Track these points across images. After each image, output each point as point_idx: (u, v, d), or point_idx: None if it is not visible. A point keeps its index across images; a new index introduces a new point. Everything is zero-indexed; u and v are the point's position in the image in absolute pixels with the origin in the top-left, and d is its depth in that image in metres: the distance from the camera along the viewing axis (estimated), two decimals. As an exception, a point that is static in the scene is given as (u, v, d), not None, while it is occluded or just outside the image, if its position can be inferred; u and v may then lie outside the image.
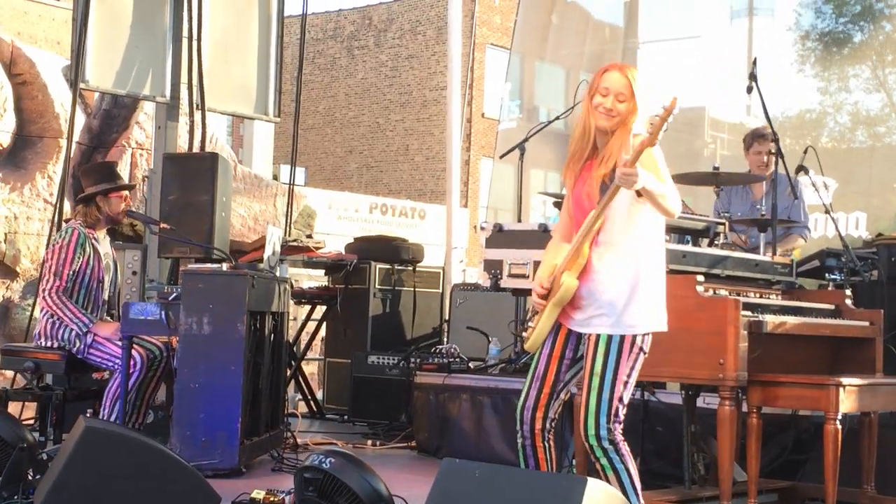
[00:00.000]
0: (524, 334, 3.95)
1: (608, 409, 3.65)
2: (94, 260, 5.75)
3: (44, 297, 5.66)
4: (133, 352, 5.49)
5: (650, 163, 3.63)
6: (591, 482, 3.18)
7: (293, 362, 7.74)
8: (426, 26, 28.34)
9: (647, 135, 3.53)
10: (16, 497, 4.37)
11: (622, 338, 3.70)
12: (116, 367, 5.52)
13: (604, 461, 3.64)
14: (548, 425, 3.82)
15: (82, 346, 5.61)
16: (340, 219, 20.43)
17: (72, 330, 5.60)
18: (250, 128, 20.82)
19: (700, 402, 5.01)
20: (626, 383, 3.70)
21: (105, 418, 5.47)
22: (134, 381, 5.49)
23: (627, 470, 3.64)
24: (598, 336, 3.71)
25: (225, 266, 5.59)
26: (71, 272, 5.65)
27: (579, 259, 3.70)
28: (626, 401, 3.71)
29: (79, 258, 5.68)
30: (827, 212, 6.17)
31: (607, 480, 3.62)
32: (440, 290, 8.21)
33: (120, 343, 5.49)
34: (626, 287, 3.70)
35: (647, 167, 3.59)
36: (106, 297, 5.87)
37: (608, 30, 12.23)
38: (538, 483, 3.28)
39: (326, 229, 17.45)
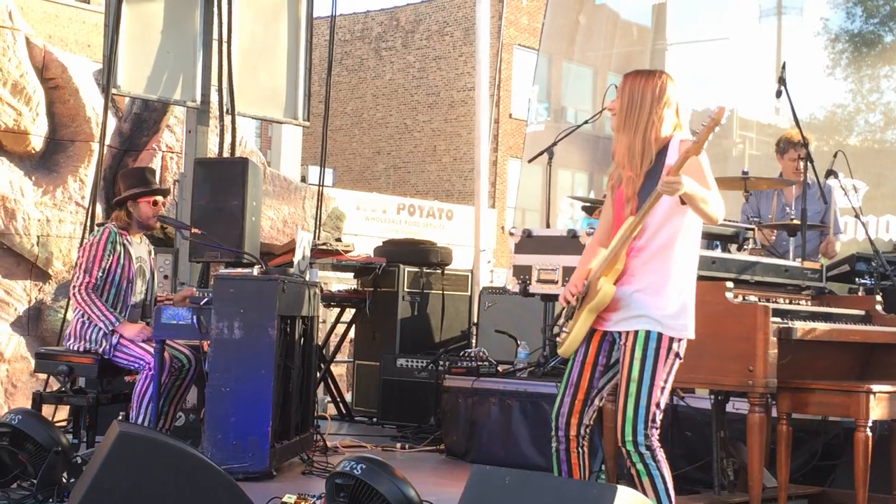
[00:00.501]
0: (557, 339, 3.96)
1: (646, 414, 3.66)
2: (125, 259, 5.80)
3: (74, 294, 5.73)
4: (156, 353, 5.55)
5: (695, 170, 3.66)
6: (621, 490, 3.19)
7: (322, 365, 7.78)
8: (453, 27, 28.36)
9: (694, 141, 3.56)
10: (50, 500, 4.44)
11: (660, 336, 3.70)
12: (141, 368, 5.58)
13: (640, 466, 3.65)
14: (582, 431, 3.84)
15: (108, 347, 5.67)
16: (368, 219, 20.49)
17: (99, 330, 5.67)
18: (279, 129, 20.90)
19: (729, 408, 5.01)
20: (662, 388, 3.70)
21: (135, 421, 5.53)
22: (146, 387, 5.55)
23: (663, 476, 3.65)
24: (636, 333, 3.71)
25: (255, 270, 5.64)
26: (101, 270, 5.71)
27: (616, 265, 3.71)
28: (662, 406, 3.73)
29: (109, 256, 5.74)
30: (857, 216, 6.16)
31: (641, 486, 3.63)
32: (468, 293, 8.23)
33: (144, 345, 5.56)
34: (663, 292, 3.71)
35: (692, 174, 3.62)
36: (137, 299, 5.92)
37: (636, 30, 12.21)
38: (568, 490, 3.29)
39: (354, 230, 17.51)
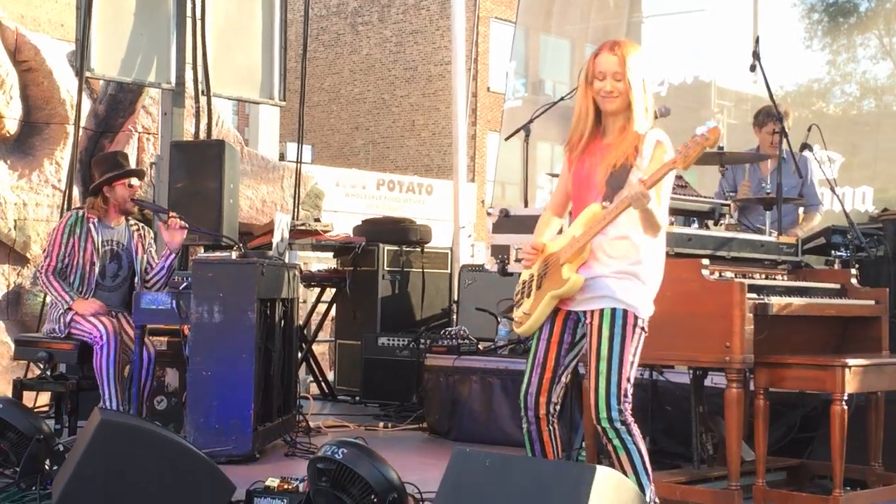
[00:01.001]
0: (515, 318, 3.97)
1: (618, 390, 3.67)
2: (87, 243, 5.84)
3: (38, 278, 5.94)
4: (100, 323, 5.60)
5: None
6: (601, 469, 3.22)
7: (304, 345, 7.80)
8: (429, 1, 28.24)
9: (680, 156, 3.54)
10: (33, 488, 4.44)
11: (625, 313, 3.71)
12: (94, 341, 5.62)
13: (616, 442, 3.67)
14: (551, 409, 3.85)
15: (62, 326, 5.74)
16: (348, 196, 20.46)
17: (59, 310, 5.75)
18: (256, 107, 20.81)
19: (708, 382, 5.05)
20: (632, 363, 3.72)
21: (106, 396, 5.56)
22: (103, 357, 5.58)
23: (639, 450, 3.68)
24: (601, 311, 3.72)
25: (234, 253, 5.63)
26: (61, 253, 5.83)
27: (583, 255, 3.72)
28: (632, 380, 3.75)
29: (69, 240, 5.83)
30: (832, 188, 6.19)
31: (619, 461, 3.66)
32: (448, 271, 8.26)
33: (94, 319, 5.62)
34: (628, 275, 3.72)
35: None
36: (112, 281, 5.94)
37: (613, 2, 12.18)
38: (548, 471, 3.33)
39: (334, 206, 17.47)
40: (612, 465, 3.64)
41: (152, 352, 5.74)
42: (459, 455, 3.46)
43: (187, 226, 5.79)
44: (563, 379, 3.89)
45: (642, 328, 3.76)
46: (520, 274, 4.08)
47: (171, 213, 5.83)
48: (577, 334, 3.86)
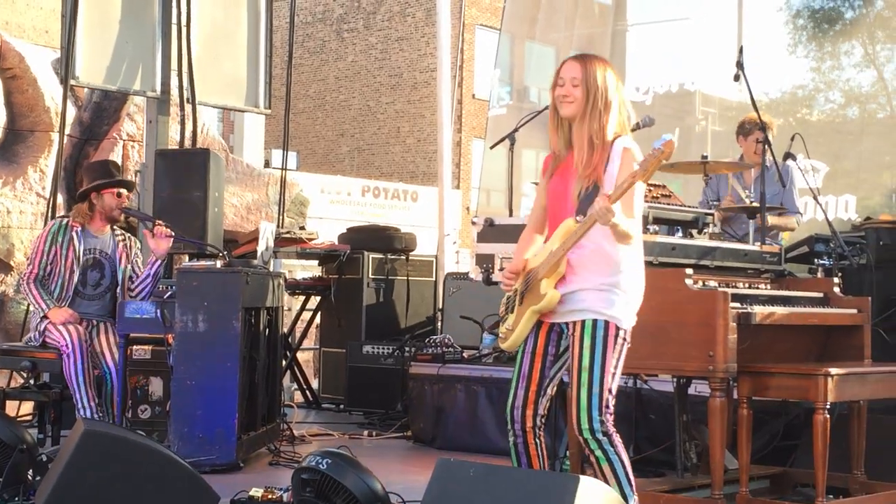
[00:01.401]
0: (500, 333, 3.98)
1: (599, 402, 3.68)
2: (69, 251, 5.86)
3: (21, 285, 5.98)
4: (66, 332, 5.62)
5: (628, 192, 3.66)
6: (584, 480, 3.23)
7: (288, 353, 7.79)
8: (415, 8, 28.25)
9: (640, 170, 3.55)
10: (16, 499, 4.42)
11: (606, 324, 3.72)
12: (61, 350, 5.63)
13: (598, 453, 3.68)
14: (538, 422, 3.86)
15: (37, 335, 5.79)
16: (333, 203, 20.44)
17: (37, 318, 5.79)
18: (241, 114, 20.81)
19: (691, 390, 5.07)
20: (613, 374, 3.73)
21: (78, 402, 5.56)
22: (70, 365, 5.59)
23: (622, 460, 3.69)
24: (583, 323, 3.73)
25: (219, 262, 5.63)
26: (43, 261, 5.86)
27: (559, 269, 3.74)
28: (614, 391, 3.75)
29: (51, 248, 5.86)
30: (814, 197, 6.21)
31: (602, 472, 3.66)
32: (433, 279, 8.26)
33: (63, 328, 5.64)
34: (606, 288, 3.73)
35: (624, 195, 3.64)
36: (94, 290, 5.94)
37: (598, 9, 12.21)
38: (532, 481, 3.33)
39: (319, 213, 17.45)
40: (595, 475, 3.66)
41: (112, 366, 5.73)
42: (444, 465, 3.46)
43: (173, 234, 5.79)
44: (549, 391, 3.90)
45: (624, 339, 3.77)
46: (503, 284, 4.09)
47: (158, 222, 5.83)
48: (562, 346, 3.87)
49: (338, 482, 3.53)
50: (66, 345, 5.60)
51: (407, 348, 7.12)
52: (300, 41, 28.97)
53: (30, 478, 4.59)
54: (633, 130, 4.44)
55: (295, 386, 8.14)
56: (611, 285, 3.74)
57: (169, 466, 4.15)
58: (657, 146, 3.53)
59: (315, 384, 8.37)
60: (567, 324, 3.80)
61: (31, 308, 5.96)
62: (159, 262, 5.86)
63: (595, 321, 3.72)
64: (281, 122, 8.57)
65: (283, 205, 8.53)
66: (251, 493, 4.33)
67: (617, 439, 3.74)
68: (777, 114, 10.67)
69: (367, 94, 28.98)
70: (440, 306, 7.94)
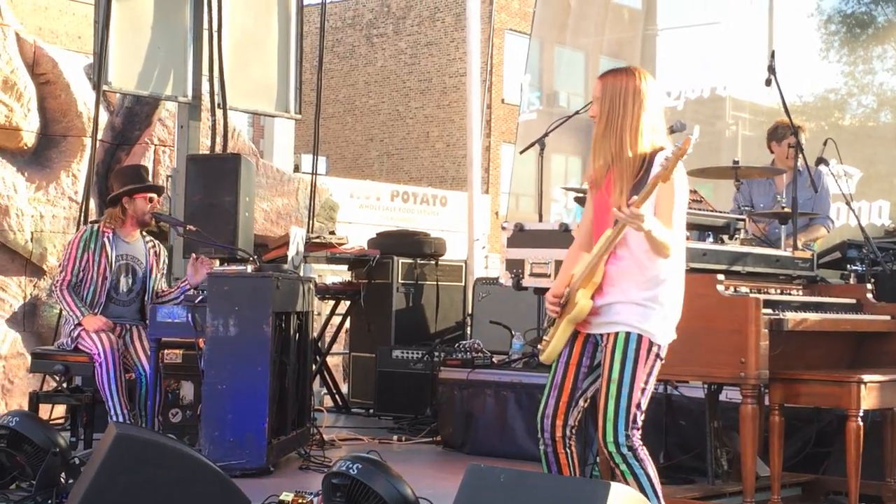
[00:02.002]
0: (539, 346, 3.98)
1: (626, 416, 3.66)
2: (101, 257, 5.90)
3: (54, 291, 6.02)
4: (99, 340, 5.64)
5: (665, 199, 3.67)
6: (615, 486, 3.22)
7: (318, 358, 7.81)
8: (444, 13, 28.29)
9: (662, 170, 3.55)
10: (49, 501, 4.45)
11: (640, 338, 3.70)
12: (93, 358, 5.66)
13: (623, 467, 3.67)
14: (568, 432, 3.85)
15: (70, 341, 5.81)
16: (362, 207, 20.48)
17: (70, 324, 5.82)
18: (271, 119, 20.92)
19: (722, 397, 5.04)
20: (643, 390, 3.71)
21: (111, 410, 5.59)
22: (102, 373, 5.62)
23: (647, 474, 3.67)
24: (616, 335, 3.71)
25: (249, 267, 5.66)
26: (75, 268, 5.89)
27: (594, 278, 3.72)
28: (643, 407, 3.73)
29: (83, 254, 5.90)
30: (847, 203, 6.17)
31: (627, 486, 3.65)
32: (462, 284, 8.26)
33: (96, 336, 5.66)
34: (643, 302, 3.71)
35: (661, 202, 3.65)
36: (126, 296, 5.99)
37: (627, 14, 12.20)
38: (562, 488, 3.32)
39: (348, 218, 17.49)
40: None
41: (147, 368, 5.75)
42: (474, 471, 3.46)
43: (210, 265, 5.84)
44: (581, 403, 3.89)
45: (657, 355, 3.74)
46: (534, 289, 4.09)
47: (189, 226, 5.86)
48: (596, 359, 3.85)
49: (368, 487, 3.53)
50: (99, 353, 5.63)
51: (436, 353, 7.12)
52: (330, 46, 29.08)
53: (62, 481, 4.62)
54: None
55: (324, 390, 8.15)
56: (648, 299, 3.71)
57: (200, 470, 4.17)
58: (677, 144, 3.54)
59: (345, 389, 8.38)
60: (602, 335, 3.79)
61: (65, 314, 6.01)
62: (190, 288, 5.88)
63: (628, 334, 3.70)
64: (310, 127, 8.60)
65: (313, 210, 8.54)
66: (281, 497, 4.34)
67: (643, 453, 3.72)
68: (809, 118, 10.61)
69: (396, 99, 29.05)
70: (469, 311, 7.94)
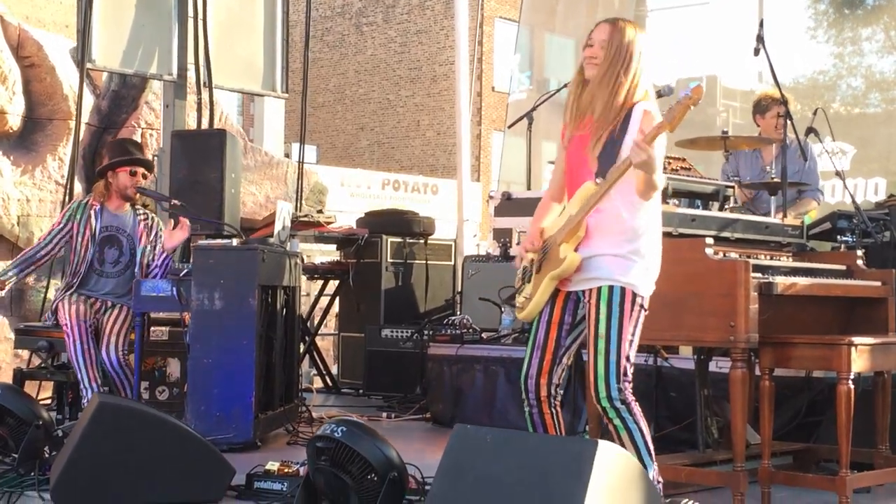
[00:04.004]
0: (517, 304, 3.93)
1: (616, 369, 3.63)
2: (85, 228, 5.89)
3: None
4: (68, 312, 5.61)
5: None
6: (602, 444, 3.17)
7: (307, 337, 7.76)
8: (434, 1, 28.22)
9: (667, 118, 3.51)
10: (32, 474, 4.40)
11: (623, 290, 3.67)
12: (66, 331, 5.62)
13: (617, 422, 3.64)
14: (553, 391, 3.82)
15: (50, 314, 5.87)
16: (353, 196, 20.41)
17: (53, 301, 5.84)
18: (261, 107, 20.84)
19: (713, 367, 5.00)
20: (630, 342, 3.68)
21: (81, 381, 5.54)
22: (70, 344, 5.58)
23: (640, 429, 3.64)
24: (599, 289, 3.68)
25: (235, 241, 5.60)
26: (46, 240, 5.96)
27: (578, 232, 3.69)
28: (632, 359, 3.70)
29: (67, 223, 5.92)
30: (837, 173, 6.13)
31: (620, 441, 3.61)
32: (452, 263, 8.21)
33: (69, 308, 5.64)
34: (625, 254, 3.69)
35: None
36: (112, 268, 5.96)
37: (618, 1, 12.16)
38: (550, 447, 3.28)
39: (339, 206, 17.41)
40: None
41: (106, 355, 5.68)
42: (460, 432, 3.42)
43: (188, 230, 5.78)
44: (564, 360, 3.86)
45: (641, 306, 3.72)
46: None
47: (174, 201, 5.81)
48: (578, 315, 3.82)
49: (353, 450, 3.49)
50: (66, 324, 5.59)
51: (426, 331, 7.07)
52: (319, 35, 29.00)
53: (46, 454, 4.57)
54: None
55: (314, 371, 8.11)
56: (629, 252, 3.69)
57: (184, 439, 4.13)
58: (685, 94, 3.48)
59: (335, 371, 8.33)
60: (584, 292, 3.75)
61: (56, 294, 5.97)
62: (168, 256, 5.83)
63: (612, 287, 3.67)
64: (300, 116, 8.54)
65: (301, 192, 8.49)
66: (267, 466, 4.30)
67: (636, 407, 3.69)
68: (799, 100, 10.58)
69: (386, 88, 28.98)
70: (459, 289, 7.90)
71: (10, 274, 5.84)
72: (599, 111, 3.71)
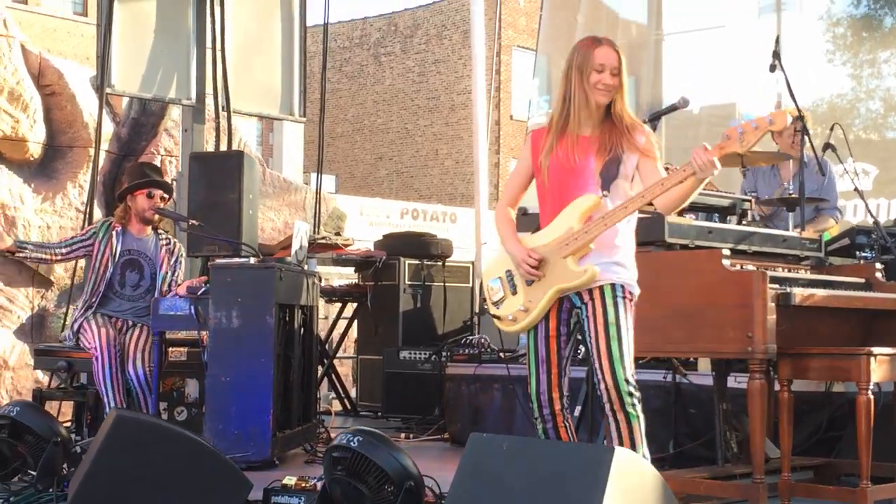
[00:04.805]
0: (506, 316, 3.94)
1: (630, 355, 3.74)
2: (105, 247, 5.95)
3: None
4: (97, 335, 5.63)
5: (655, 162, 3.84)
6: (619, 451, 3.16)
7: (325, 360, 7.76)
8: (451, 30, 28.37)
9: (736, 141, 3.66)
10: (50, 490, 4.41)
11: (623, 286, 3.81)
12: (91, 353, 5.65)
13: (629, 409, 3.70)
14: (565, 403, 3.89)
15: (71, 334, 5.87)
16: (372, 224, 20.44)
17: (75, 321, 5.87)
18: (280, 137, 20.94)
19: (731, 383, 4.97)
20: (631, 334, 3.80)
21: (107, 404, 5.56)
22: (98, 368, 5.59)
23: (642, 420, 3.74)
24: (602, 287, 3.79)
25: (253, 261, 5.62)
26: (71, 241, 6.09)
27: (591, 246, 3.79)
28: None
29: (90, 238, 6.02)
30: (856, 189, 6.10)
31: (630, 430, 3.69)
32: (470, 285, 8.21)
33: (98, 331, 5.65)
34: (622, 261, 3.84)
35: (656, 165, 3.82)
36: (133, 291, 6.00)
37: (635, 29, 12.19)
38: (566, 453, 3.27)
39: (358, 235, 17.43)
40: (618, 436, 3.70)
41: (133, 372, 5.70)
42: (477, 440, 3.41)
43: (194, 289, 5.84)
44: (568, 371, 3.93)
45: (633, 304, 3.86)
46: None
47: (192, 221, 5.84)
48: (571, 324, 3.92)
49: (369, 459, 3.48)
50: (95, 347, 5.61)
51: (444, 353, 7.06)
52: (338, 66, 29.17)
53: (64, 470, 4.58)
54: (670, 111, 4.49)
55: (333, 394, 8.10)
56: (621, 260, 3.84)
57: (201, 453, 4.12)
58: (762, 118, 3.59)
59: (353, 394, 8.32)
60: (581, 294, 3.82)
61: (75, 316, 6.00)
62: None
63: (613, 285, 3.80)
64: (322, 151, 8.63)
65: (319, 214, 8.51)
66: (284, 481, 4.30)
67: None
68: (818, 123, 10.56)
69: (404, 117, 29.09)
70: (477, 311, 7.89)
71: (28, 247, 6.01)
72: (599, 130, 3.85)
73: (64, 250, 6.02)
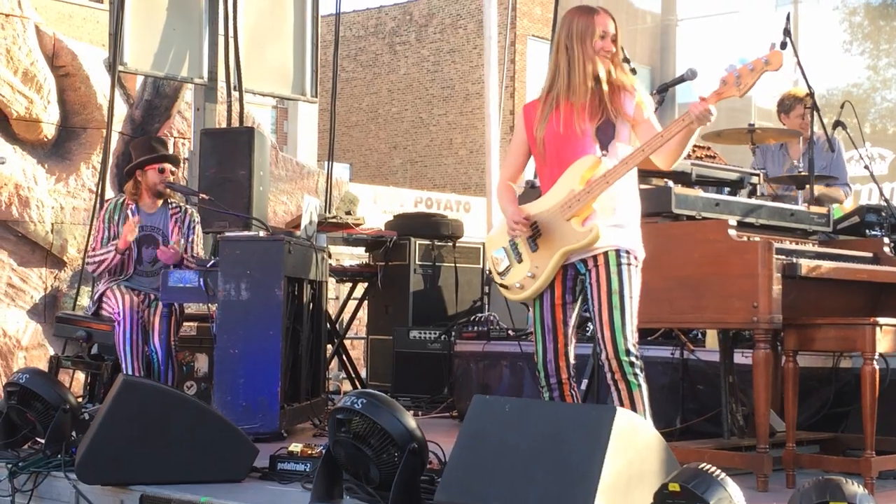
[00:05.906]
0: (514, 284, 3.94)
1: (632, 324, 3.75)
2: (123, 226, 5.95)
3: (87, 266, 6.15)
4: (122, 301, 5.65)
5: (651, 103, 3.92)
6: (620, 411, 3.18)
7: (335, 339, 7.78)
8: (467, 20, 28.34)
9: (733, 86, 3.70)
10: (59, 455, 4.44)
11: (627, 252, 3.82)
12: (114, 318, 5.69)
13: (630, 377, 3.73)
14: (572, 371, 3.91)
15: (92, 303, 5.88)
16: (385, 213, 20.43)
17: (98, 290, 5.88)
18: (294, 125, 20.96)
19: (738, 359, 4.97)
20: (636, 300, 3.81)
21: (125, 371, 5.59)
22: (120, 333, 5.63)
23: (643, 389, 3.76)
24: (605, 253, 3.80)
25: (261, 233, 5.65)
26: (105, 238, 5.98)
27: (593, 204, 3.80)
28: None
29: (110, 226, 5.99)
30: (872, 177, 6.08)
31: (631, 397, 3.71)
32: (480, 266, 8.22)
33: (120, 296, 5.69)
34: (625, 223, 3.85)
35: (652, 118, 3.87)
36: (152, 266, 6.02)
37: (650, 18, 12.16)
38: (568, 414, 3.29)
39: (371, 223, 17.46)
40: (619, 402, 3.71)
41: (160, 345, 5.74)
42: (480, 401, 3.44)
43: (179, 251, 5.89)
44: (574, 338, 3.95)
45: (638, 267, 3.86)
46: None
47: (202, 195, 5.86)
48: (576, 292, 3.94)
49: (373, 421, 3.50)
50: (118, 311, 5.65)
51: (453, 332, 7.08)
52: (353, 55, 29.17)
53: (73, 437, 4.61)
54: (678, 83, 4.50)
55: (343, 374, 8.12)
56: (624, 221, 3.85)
57: (207, 418, 4.16)
58: (758, 59, 3.61)
59: (363, 374, 8.35)
60: (586, 260, 3.82)
61: (105, 266, 5.96)
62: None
63: (618, 250, 3.80)
64: (333, 133, 8.65)
65: (330, 195, 8.53)
66: (290, 447, 4.32)
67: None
68: (832, 112, 10.51)
69: (419, 107, 29.07)
70: (486, 290, 7.90)
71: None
72: (591, 94, 3.89)
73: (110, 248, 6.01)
